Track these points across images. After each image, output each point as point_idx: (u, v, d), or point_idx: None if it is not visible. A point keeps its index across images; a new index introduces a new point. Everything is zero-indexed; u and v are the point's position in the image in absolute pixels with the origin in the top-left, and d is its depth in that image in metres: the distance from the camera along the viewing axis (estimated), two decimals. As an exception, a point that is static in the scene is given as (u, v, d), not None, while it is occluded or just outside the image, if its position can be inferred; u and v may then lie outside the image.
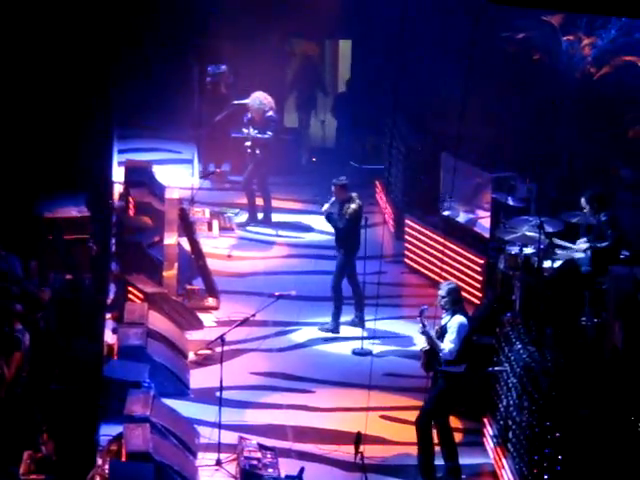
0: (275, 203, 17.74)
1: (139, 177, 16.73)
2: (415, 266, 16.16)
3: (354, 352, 13.90)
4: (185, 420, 12.05)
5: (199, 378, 13.08)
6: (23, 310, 12.42)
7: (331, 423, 12.40)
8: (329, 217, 14.33)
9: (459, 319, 11.23)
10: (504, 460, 11.42)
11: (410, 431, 11.70)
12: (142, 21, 19.12)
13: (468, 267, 15.17)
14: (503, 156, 15.89)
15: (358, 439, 10.16)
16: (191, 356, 13.60)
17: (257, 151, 17.16)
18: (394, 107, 17.99)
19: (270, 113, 17.19)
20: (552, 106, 16.51)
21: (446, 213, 16.02)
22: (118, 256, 15.31)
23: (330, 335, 14.21)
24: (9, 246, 13.71)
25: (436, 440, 11.48)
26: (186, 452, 11.43)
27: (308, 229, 17.32)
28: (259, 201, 17.58)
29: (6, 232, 14.04)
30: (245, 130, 17.16)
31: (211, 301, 14.84)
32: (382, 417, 12.53)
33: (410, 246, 16.30)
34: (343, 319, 14.37)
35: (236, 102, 17.75)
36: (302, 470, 10.71)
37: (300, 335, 14.27)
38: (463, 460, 11.61)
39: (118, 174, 17.66)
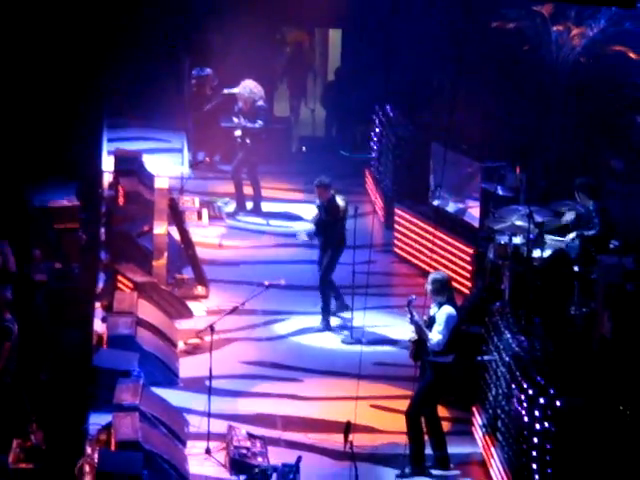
0: (265, 192, 17.74)
1: (129, 166, 16.70)
2: (405, 255, 16.18)
3: (343, 341, 13.92)
4: (174, 409, 12.06)
5: (188, 367, 13.09)
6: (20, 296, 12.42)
7: (320, 412, 12.42)
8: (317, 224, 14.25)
9: (447, 310, 11.25)
10: (493, 449, 11.45)
11: (399, 420, 11.73)
12: (132, 12, 19.07)
13: (457, 256, 15.20)
14: (493, 146, 15.91)
15: (347, 428, 10.16)
16: (180, 345, 13.60)
17: (247, 140, 17.15)
18: (384, 96, 18.00)
19: (260, 102, 17.17)
20: (542, 96, 16.53)
21: (436, 203, 16.04)
22: (107, 245, 15.30)
23: (320, 327, 14.22)
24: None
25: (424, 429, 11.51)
26: (175, 441, 11.44)
27: (298, 218, 17.31)
28: (248, 190, 17.58)
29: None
30: (235, 119, 17.14)
31: (200, 290, 14.84)
32: (371, 406, 12.56)
33: (400, 235, 16.32)
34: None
35: (226, 91, 17.73)
36: (299, 459, 10.74)
37: (289, 324, 14.28)
38: (452, 449, 11.64)
39: (108, 163, 17.63)
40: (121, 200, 16.02)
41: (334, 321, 14.24)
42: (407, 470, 11.35)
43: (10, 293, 12.26)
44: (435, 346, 11.20)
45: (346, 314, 14.28)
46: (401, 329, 14.04)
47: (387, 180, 17.47)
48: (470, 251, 15.02)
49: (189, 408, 12.22)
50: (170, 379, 12.78)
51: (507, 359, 11.29)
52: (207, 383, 11.89)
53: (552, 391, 10.49)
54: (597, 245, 12.93)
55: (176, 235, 15.17)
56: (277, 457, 11.29)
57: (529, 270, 12.72)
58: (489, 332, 12.04)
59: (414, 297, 11.33)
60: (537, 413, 10.52)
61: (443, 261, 15.24)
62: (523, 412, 10.75)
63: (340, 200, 14.15)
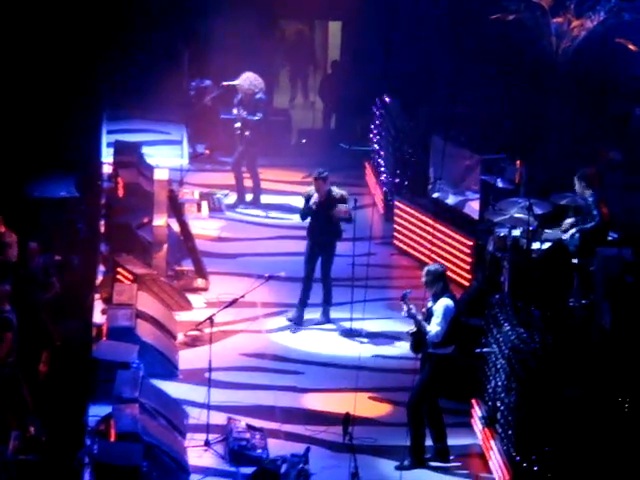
0: (264, 184, 17.73)
1: (128, 158, 16.70)
2: (404, 248, 16.18)
3: (343, 333, 13.92)
4: (174, 401, 12.06)
5: (188, 359, 13.09)
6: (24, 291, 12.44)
7: (320, 404, 12.43)
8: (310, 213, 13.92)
9: (445, 302, 11.25)
10: (492, 441, 11.46)
11: (399, 412, 11.74)
12: (131, 3, 19.06)
13: (457, 249, 15.19)
14: (492, 138, 15.90)
15: (347, 420, 10.17)
16: (180, 337, 13.61)
17: (246, 132, 17.14)
18: (384, 88, 18.00)
19: (260, 95, 17.15)
20: (542, 88, 16.52)
21: (435, 195, 16.04)
22: (107, 237, 15.30)
23: (320, 319, 14.21)
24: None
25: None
26: (175, 433, 11.45)
27: (297, 210, 17.28)
28: (248, 182, 17.57)
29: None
30: (235, 111, 17.13)
31: (200, 282, 14.84)
32: (371, 398, 12.56)
33: (399, 228, 16.31)
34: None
35: (226, 83, 17.71)
36: (308, 449, 10.76)
37: (289, 316, 14.25)
38: (451, 441, 11.66)
39: (107, 155, 17.63)
40: (121, 192, 16.01)
41: (334, 313, 14.23)
42: (406, 462, 11.36)
43: (9, 285, 12.27)
44: (434, 338, 11.21)
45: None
46: (400, 321, 14.05)
47: (387, 172, 17.46)
48: (470, 243, 15.02)
49: (188, 400, 12.22)
50: (170, 371, 12.78)
51: (506, 351, 11.30)
52: (207, 375, 11.90)
53: (551, 383, 10.49)
54: (596, 237, 12.92)
55: (176, 227, 15.17)
56: (276, 449, 11.30)
57: (528, 262, 12.72)
58: (488, 324, 12.04)
59: (409, 291, 11.34)
60: (536, 405, 10.52)
61: (443, 253, 15.25)
62: (522, 404, 10.76)
63: (338, 190, 14.04)
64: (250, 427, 11.60)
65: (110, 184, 16.70)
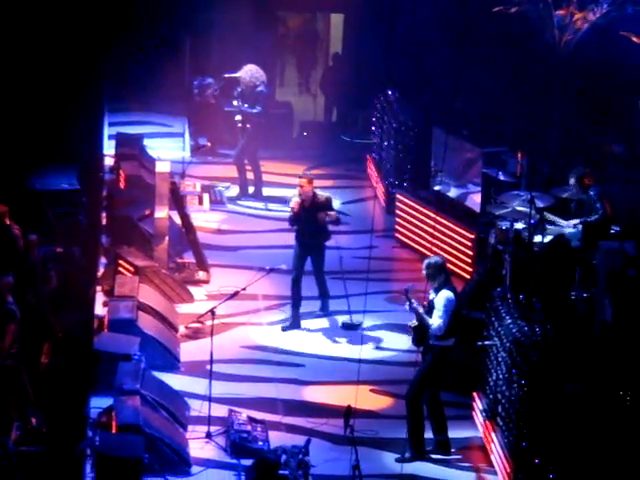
0: (266, 177, 17.71)
1: (130, 150, 16.70)
2: (406, 241, 16.17)
3: (343, 326, 13.91)
4: (175, 393, 12.07)
5: (189, 351, 13.10)
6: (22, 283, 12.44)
7: (321, 396, 12.43)
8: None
9: (445, 294, 11.26)
10: (493, 434, 11.47)
11: (400, 404, 11.74)
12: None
13: (459, 242, 15.19)
14: (494, 131, 15.88)
15: (348, 412, 10.18)
16: (181, 329, 13.61)
17: (247, 125, 17.13)
18: (386, 81, 17.97)
19: (261, 88, 17.12)
20: (544, 81, 16.49)
21: (437, 188, 16.03)
22: (108, 229, 15.30)
23: (320, 312, 14.19)
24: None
25: (425, 414, 11.52)
26: (176, 425, 11.46)
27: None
28: (250, 175, 17.56)
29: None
30: (235, 102, 17.11)
31: (202, 275, 14.84)
32: (372, 391, 12.56)
33: (401, 221, 16.30)
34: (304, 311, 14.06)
35: (227, 75, 17.69)
36: (309, 441, 10.77)
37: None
38: (452, 434, 11.66)
39: (109, 147, 17.62)
40: (122, 184, 16.01)
41: (334, 306, 14.22)
42: (407, 454, 11.36)
43: (12, 277, 12.27)
44: (437, 331, 11.22)
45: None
46: (402, 314, 14.06)
47: (388, 165, 17.44)
48: (471, 236, 15.01)
49: (190, 392, 12.23)
50: (171, 363, 12.79)
51: (508, 344, 11.30)
52: (208, 367, 11.90)
53: (552, 376, 10.49)
54: (598, 230, 12.92)
55: (177, 219, 15.17)
56: (278, 441, 11.30)
57: (530, 255, 12.71)
58: (490, 317, 12.04)
59: (412, 285, 11.34)
60: (537, 398, 10.52)
61: (444, 246, 15.24)
62: (523, 397, 10.76)
63: (322, 193, 13.81)
64: (251, 419, 11.61)
65: (112, 176, 16.70)
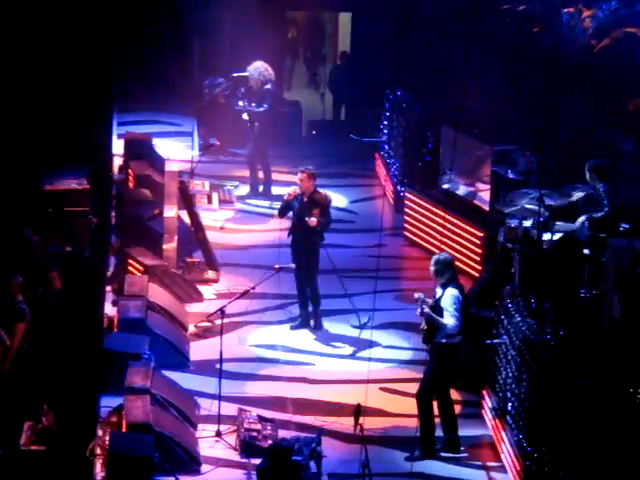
0: (275, 176, 17.72)
1: (139, 150, 16.72)
2: (415, 239, 16.17)
3: (353, 325, 13.91)
4: (185, 392, 12.09)
5: (199, 350, 13.12)
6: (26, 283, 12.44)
7: (331, 395, 12.44)
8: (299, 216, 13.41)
9: (452, 292, 11.26)
10: (503, 432, 11.46)
11: (410, 403, 11.74)
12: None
13: (468, 240, 15.18)
14: (504, 129, 15.87)
15: (357, 411, 10.18)
16: (191, 328, 13.63)
17: (256, 124, 17.14)
18: (394, 79, 17.97)
19: (268, 86, 17.12)
20: (553, 78, 16.46)
21: (446, 186, 16.02)
22: (118, 229, 15.32)
23: (328, 309, 14.19)
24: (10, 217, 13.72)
25: (436, 412, 11.52)
26: (186, 423, 11.48)
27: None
28: (260, 174, 17.57)
29: (9, 205, 14.04)
30: (241, 103, 17.13)
31: (211, 274, 14.86)
32: (382, 389, 12.57)
33: (410, 219, 16.30)
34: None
35: (235, 74, 17.71)
36: (321, 431, 10.78)
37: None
38: (462, 432, 11.66)
39: (118, 147, 17.64)
40: (131, 183, 16.03)
41: (343, 304, 14.20)
42: (417, 453, 11.37)
43: (21, 277, 12.28)
44: (454, 329, 11.23)
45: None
46: (411, 312, 14.05)
47: (397, 164, 17.45)
48: (480, 234, 15.01)
49: (200, 391, 12.25)
50: (181, 362, 12.81)
51: (517, 342, 11.30)
52: (218, 366, 11.92)
53: (562, 374, 10.48)
54: (607, 227, 12.91)
55: (186, 218, 15.19)
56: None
57: (539, 253, 12.70)
58: (499, 315, 12.04)
59: (423, 295, 11.33)
60: (547, 396, 10.52)
61: (453, 244, 15.23)
62: (533, 395, 10.75)
63: (323, 191, 13.65)
64: (261, 418, 11.63)
65: (121, 176, 16.72)
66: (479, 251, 15.00)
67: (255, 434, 11.31)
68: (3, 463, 10.59)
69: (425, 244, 15.91)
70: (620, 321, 11.47)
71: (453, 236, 15.31)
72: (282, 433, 11.50)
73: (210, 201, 16.99)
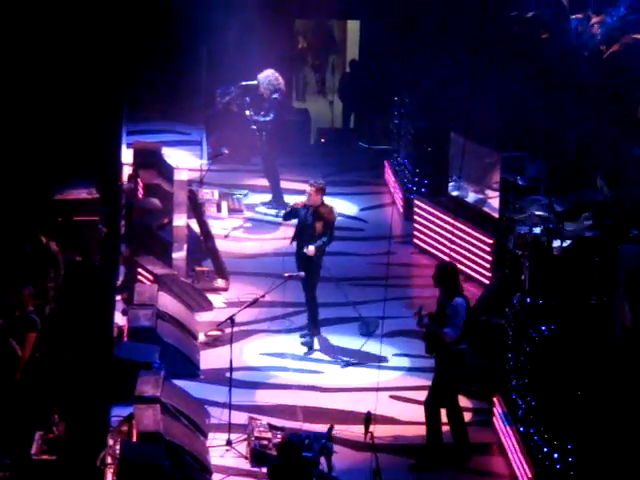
0: (283, 184, 17.72)
1: (148, 159, 16.71)
2: (424, 246, 16.16)
3: (362, 333, 13.87)
4: (195, 401, 12.09)
5: (209, 359, 13.12)
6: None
7: (341, 403, 12.43)
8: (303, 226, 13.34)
9: (457, 301, 11.25)
10: (514, 439, 11.43)
11: (420, 411, 11.72)
12: (151, 5, 19.11)
13: (477, 247, 15.17)
14: (512, 136, 15.85)
15: (368, 419, 10.17)
16: (201, 337, 13.63)
17: (263, 133, 17.15)
18: (403, 87, 17.97)
19: (275, 95, 17.11)
20: (562, 85, 16.44)
21: (455, 193, 16.01)
22: (127, 238, 15.33)
23: (336, 316, 14.17)
24: (21, 227, 13.75)
25: (445, 420, 11.51)
26: (196, 432, 11.47)
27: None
28: (264, 182, 17.59)
29: (18, 213, 14.06)
30: (247, 112, 17.14)
31: (220, 282, 14.87)
32: (392, 397, 12.55)
33: (419, 226, 16.30)
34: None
35: (244, 83, 17.72)
36: (331, 428, 10.76)
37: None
38: (473, 439, 11.64)
39: (127, 156, 17.67)
40: (141, 193, 16.05)
41: (351, 311, 14.18)
42: (424, 461, 11.33)
43: (32, 287, 12.30)
44: (452, 338, 11.21)
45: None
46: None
47: (406, 171, 17.44)
48: (490, 241, 14.99)
49: (210, 400, 12.25)
50: (191, 371, 12.81)
51: (528, 349, 11.27)
52: (228, 375, 11.92)
53: (573, 381, 10.46)
54: (617, 234, 12.88)
55: (196, 227, 15.20)
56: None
57: (549, 260, 12.68)
58: (509, 323, 12.02)
59: (423, 305, 11.35)
60: (558, 403, 10.49)
61: (463, 252, 15.23)
62: (544, 402, 10.73)
63: (329, 206, 13.48)
64: (271, 426, 11.62)
65: (130, 185, 16.74)
66: (489, 258, 14.98)
67: (266, 442, 11.31)
68: (13, 473, 10.60)
69: (435, 251, 15.90)
70: (631, 328, 11.44)
71: (463, 243, 15.30)
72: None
73: (219, 210, 17.00)
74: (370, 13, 20.04)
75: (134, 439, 10.84)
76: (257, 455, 11.22)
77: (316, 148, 19.86)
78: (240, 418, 11.80)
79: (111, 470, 10.70)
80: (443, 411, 11.49)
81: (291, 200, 17.27)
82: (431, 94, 17.70)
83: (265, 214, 17.28)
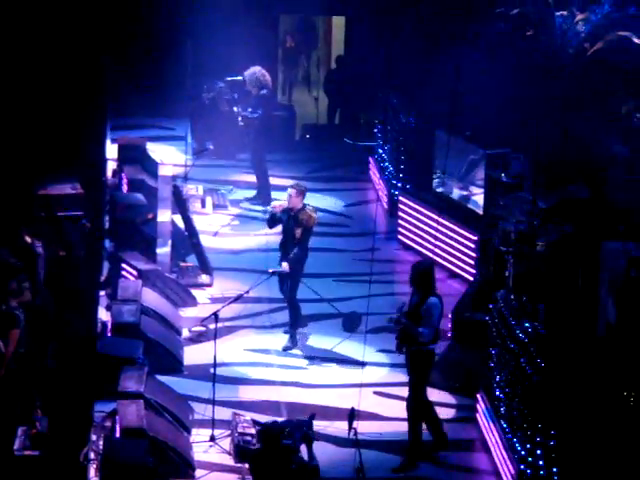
0: (270, 180, 17.68)
1: (132, 154, 16.70)
2: (409, 243, 16.17)
3: (345, 329, 13.86)
4: (179, 396, 12.07)
5: (193, 355, 13.11)
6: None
7: (324, 399, 12.43)
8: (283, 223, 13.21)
9: (432, 301, 11.24)
10: (497, 436, 11.45)
11: (403, 407, 11.72)
12: (135, 1, 19.08)
13: (462, 244, 15.19)
14: (497, 132, 15.88)
15: (352, 415, 10.18)
16: (185, 333, 13.62)
17: (251, 130, 17.13)
18: (387, 83, 17.98)
19: (264, 91, 17.10)
20: (546, 82, 16.48)
21: (440, 190, 16.03)
22: (111, 233, 15.30)
23: (318, 313, 14.19)
24: (4, 223, 13.70)
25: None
26: (180, 428, 11.46)
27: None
28: (252, 178, 17.57)
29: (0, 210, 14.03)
30: (235, 109, 17.12)
31: (205, 278, 14.85)
32: (376, 393, 12.56)
33: (404, 223, 16.30)
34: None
35: (229, 78, 17.71)
36: (313, 416, 10.75)
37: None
38: (456, 435, 11.66)
39: (111, 151, 17.63)
40: (125, 188, 16.02)
41: (339, 307, 14.20)
42: (404, 461, 11.32)
43: (16, 283, 12.25)
44: (427, 337, 11.21)
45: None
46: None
47: (391, 167, 17.45)
48: (474, 238, 15.01)
49: (193, 395, 12.24)
50: (174, 367, 12.80)
51: (512, 346, 11.29)
52: (211, 370, 11.91)
53: (556, 378, 10.49)
54: (600, 231, 12.91)
55: (180, 223, 15.18)
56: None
57: (533, 257, 12.71)
58: (493, 319, 12.04)
59: (404, 303, 11.33)
60: (541, 400, 10.52)
61: (447, 248, 15.25)
62: (527, 399, 10.75)
63: (311, 211, 13.33)
64: (255, 422, 11.61)
65: (114, 180, 16.71)
66: (473, 255, 15.00)
67: (249, 438, 11.29)
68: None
69: (419, 248, 15.91)
70: (615, 325, 11.48)
71: (447, 240, 15.31)
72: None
73: (204, 205, 16.98)
74: (355, 9, 20.03)
75: (117, 435, 10.83)
76: (240, 451, 11.21)
77: (301, 144, 19.85)
78: (224, 414, 11.79)
79: (94, 466, 10.68)
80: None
81: (273, 195, 17.38)
82: (416, 90, 17.71)
83: (250, 210, 17.27)
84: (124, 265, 14.11)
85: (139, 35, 19.23)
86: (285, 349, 13.41)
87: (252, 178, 17.69)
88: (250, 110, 17.05)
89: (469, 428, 12.01)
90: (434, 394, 12.09)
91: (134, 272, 14.02)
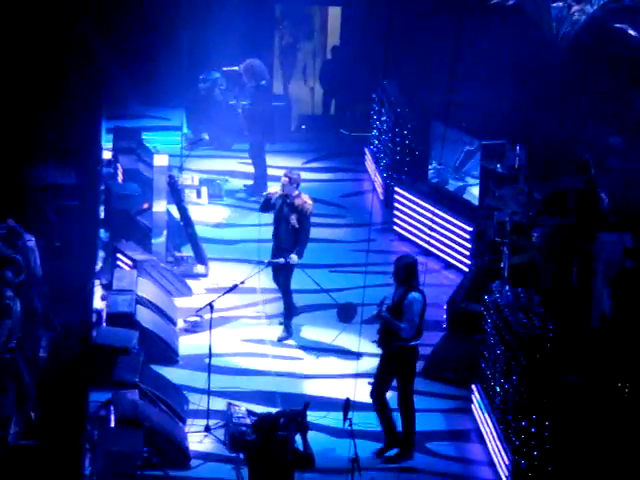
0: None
1: (128, 144, 16.68)
2: (404, 234, 16.17)
3: (341, 320, 13.86)
4: (174, 386, 12.07)
5: (188, 345, 13.11)
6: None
7: (320, 390, 12.44)
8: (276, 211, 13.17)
9: (413, 295, 11.19)
10: (492, 427, 11.47)
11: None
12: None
13: (457, 234, 15.19)
14: (493, 123, 15.88)
15: (347, 405, 10.19)
16: (180, 323, 13.61)
17: (250, 120, 17.12)
18: (384, 74, 17.96)
19: (262, 82, 17.08)
20: (542, 73, 16.48)
21: (435, 181, 16.02)
22: (107, 223, 15.29)
23: (314, 303, 14.17)
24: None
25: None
26: (175, 418, 11.47)
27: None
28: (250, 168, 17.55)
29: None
30: (234, 101, 17.10)
31: (200, 268, 14.84)
32: (371, 384, 12.52)
33: (399, 214, 16.30)
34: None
35: (225, 68, 17.68)
36: (307, 404, 10.74)
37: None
38: (451, 426, 11.67)
39: (107, 141, 17.60)
40: (120, 178, 16.00)
41: (327, 299, 14.18)
42: (396, 452, 11.32)
43: (11, 273, 12.23)
44: (408, 332, 11.17)
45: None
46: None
47: (386, 158, 17.44)
48: (469, 229, 15.02)
49: (189, 386, 12.24)
50: (170, 357, 12.80)
51: (506, 337, 11.30)
52: (207, 361, 11.91)
53: (551, 368, 10.50)
54: (595, 222, 12.94)
55: (175, 213, 15.16)
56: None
57: (528, 247, 12.72)
58: (488, 310, 12.04)
59: (387, 297, 11.33)
60: (536, 391, 10.53)
61: (442, 239, 15.25)
62: (522, 389, 10.76)
63: (306, 197, 13.29)
64: (250, 413, 11.62)
65: (109, 170, 16.69)
66: (468, 245, 15.00)
67: (244, 429, 11.30)
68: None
69: (415, 239, 15.91)
70: (610, 315, 11.50)
71: (442, 231, 15.32)
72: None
73: (199, 195, 16.96)
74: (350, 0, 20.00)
75: (112, 424, 10.83)
76: (235, 441, 11.22)
77: (297, 135, 19.82)
78: (219, 404, 11.80)
79: (89, 456, 10.68)
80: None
81: (269, 185, 17.36)
82: (411, 81, 17.70)
83: (245, 200, 17.25)
84: (119, 255, 14.10)
85: (135, 25, 19.17)
86: (280, 339, 13.42)
87: (248, 168, 17.67)
88: (249, 101, 17.02)
89: (464, 419, 12.02)
90: (429, 385, 12.09)
91: (129, 262, 14.01)
